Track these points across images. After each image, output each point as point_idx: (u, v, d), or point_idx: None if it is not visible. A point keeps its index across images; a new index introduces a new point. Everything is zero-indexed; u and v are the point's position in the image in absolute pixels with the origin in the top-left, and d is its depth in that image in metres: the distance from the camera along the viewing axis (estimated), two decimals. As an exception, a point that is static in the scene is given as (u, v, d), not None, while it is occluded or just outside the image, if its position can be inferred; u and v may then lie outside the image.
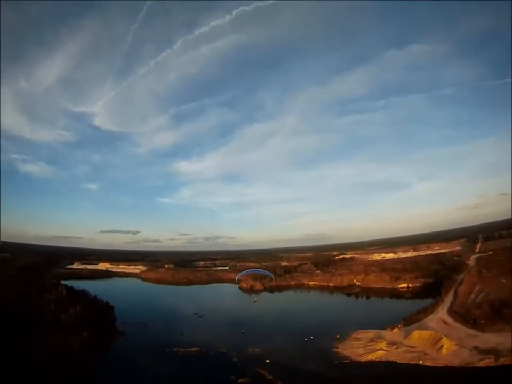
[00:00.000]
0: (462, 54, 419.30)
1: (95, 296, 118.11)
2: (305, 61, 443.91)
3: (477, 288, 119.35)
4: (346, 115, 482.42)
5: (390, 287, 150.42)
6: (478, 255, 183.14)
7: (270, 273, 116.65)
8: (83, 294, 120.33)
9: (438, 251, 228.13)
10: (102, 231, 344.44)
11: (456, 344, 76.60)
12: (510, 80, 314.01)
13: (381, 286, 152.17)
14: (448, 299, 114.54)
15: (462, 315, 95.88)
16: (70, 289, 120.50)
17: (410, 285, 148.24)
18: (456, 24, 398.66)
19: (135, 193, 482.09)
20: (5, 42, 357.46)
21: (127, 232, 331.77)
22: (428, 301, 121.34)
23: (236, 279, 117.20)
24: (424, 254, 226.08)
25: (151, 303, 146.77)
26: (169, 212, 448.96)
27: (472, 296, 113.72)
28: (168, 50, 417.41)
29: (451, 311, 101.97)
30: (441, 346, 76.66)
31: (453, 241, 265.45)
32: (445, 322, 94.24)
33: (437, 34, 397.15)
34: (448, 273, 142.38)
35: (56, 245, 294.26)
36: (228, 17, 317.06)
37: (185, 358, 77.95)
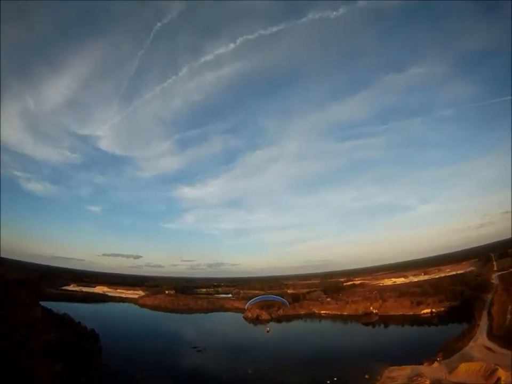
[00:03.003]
0: (460, 74, 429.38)
1: (79, 322, 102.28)
2: (306, 86, 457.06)
3: (510, 307, 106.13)
4: (347, 140, 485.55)
5: (411, 313, 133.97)
6: (499, 273, 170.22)
7: (284, 300, 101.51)
8: (64, 318, 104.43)
9: (451, 273, 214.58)
10: (103, 254, 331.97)
11: (514, 376, 61.72)
12: (510, 98, 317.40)
13: (401, 313, 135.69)
14: (483, 322, 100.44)
15: (506, 339, 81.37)
16: (49, 311, 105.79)
17: (434, 310, 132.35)
18: (453, 44, 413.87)
19: (138, 217, 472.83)
20: (13, 61, 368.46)
21: (128, 256, 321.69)
22: (457, 326, 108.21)
23: (246, 307, 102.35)
24: (438, 276, 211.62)
25: (145, 332, 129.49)
26: (172, 237, 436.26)
27: (508, 316, 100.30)
28: (173, 76, 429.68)
29: (491, 336, 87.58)
30: (498, 379, 61.29)
31: (464, 262, 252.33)
32: (488, 349, 79.41)
33: (434, 56, 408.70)
34: (474, 294, 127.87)
35: (57, 265, 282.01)
36: (232, 45, 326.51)
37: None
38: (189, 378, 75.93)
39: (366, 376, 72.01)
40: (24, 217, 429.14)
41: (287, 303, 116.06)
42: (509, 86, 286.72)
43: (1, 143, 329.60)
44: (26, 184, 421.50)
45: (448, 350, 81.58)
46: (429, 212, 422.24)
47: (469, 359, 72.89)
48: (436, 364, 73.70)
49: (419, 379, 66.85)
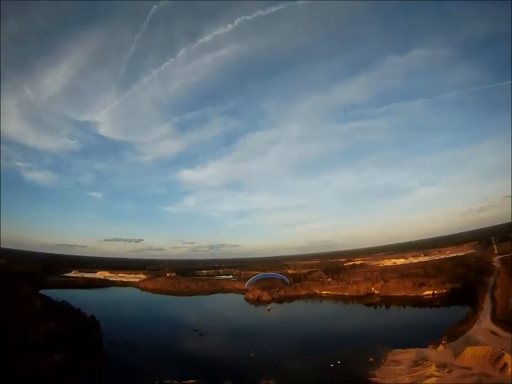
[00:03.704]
0: (462, 57, 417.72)
1: (79, 309, 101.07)
2: (307, 68, 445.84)
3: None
4: (349, 121, 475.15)
5: (413, 294, 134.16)
6: (500, 256, 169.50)
7: (285, 277, 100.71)
8: (63, 306, 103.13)
9: (452, 255, 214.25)
10: (105, 239, 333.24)
11: (521, 361, 60.59)
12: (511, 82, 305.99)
13: (402, 294, 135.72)
14: (486, 305, 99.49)
15: (509, 323, 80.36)
16: (48, 300, 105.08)
17: (436, 292, 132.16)
18: (456, 27, 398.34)
19: (139, 201, 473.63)
20: (9, 51, 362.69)
21: (130, 241, 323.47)
22: (460, 309, 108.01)
23: (246, 286, 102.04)
24: (438, 258, 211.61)
25: (146, 316, 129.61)
26: (173, 220, 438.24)
27: (511, 300, 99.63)
28: (171, 59, 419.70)
29: (495, 319, 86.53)
30: (505, 364, 60.05)
31: (464, 245, 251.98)
32: (493, 332, 78.15)
33: (436, 39, 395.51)
34: (477, 276, 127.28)
35: (60, 253, 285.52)
36: (230, 26, 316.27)
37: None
38: (191, 363, 74.40)
39: (370, 359, 70.91)
40: (26, 207, 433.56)
41: (288, 281, 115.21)
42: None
43: (1, 134, 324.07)
44: (27, 174, 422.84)
45: (453, 332, 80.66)
46: (430, 194, 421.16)
47: (474, 343, 71.77)
48: (441, 347, 72.60)
49: (424, 363, 65.96)
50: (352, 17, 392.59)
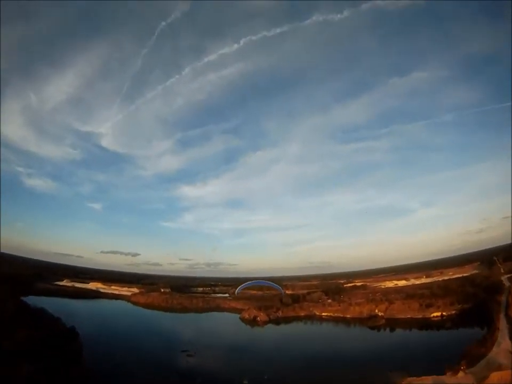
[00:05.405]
0: (462, 79, 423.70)
1: (59, 318, 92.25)
2: (309, 88, 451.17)
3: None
4: (349, 142, 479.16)
5: (420, 316, 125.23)
6: (507, 275, 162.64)
7: (278, 286, 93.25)
8: (40, 313, 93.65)
9: (455, 276, 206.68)
10: (102, 251, 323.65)
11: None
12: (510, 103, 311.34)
13: (409, 316, 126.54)
14: (502, 325, 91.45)
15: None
16: (24, 307, 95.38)
17: (444, 313, 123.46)
18: (455, 49, 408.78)
19: (138, 215, 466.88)
20: (16, 58, 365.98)
21: (127, 254, 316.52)
22: (470, 331, 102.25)
23: (236, 293, 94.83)
24: (441, 279, 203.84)
25: (133, 332, 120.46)
26: (171, 236, 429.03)
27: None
28: (176, 76, 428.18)
29: (514, 339, 78.70)
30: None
31: (466, 266, 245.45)
32: (514, 354, 70.09)
33: (437, 60, 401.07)
34: (488, 296, 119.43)
35: (55, 261, 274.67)
36: (235, 46, 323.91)
37: None
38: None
39: (383, 390, 61.94)
40: (24, 212, 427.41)
41: (282, 290, 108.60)
42: (510, 91, 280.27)
43: (1, 138, 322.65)
44: (27, 180, 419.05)
45: (471, 357, 72.02)
46: (429, 215, 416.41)
47: (497, 366, 63.49)
48: (461, 374, 63.79)
49: (445, 392, 57.13)
50: (354, 39, 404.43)
